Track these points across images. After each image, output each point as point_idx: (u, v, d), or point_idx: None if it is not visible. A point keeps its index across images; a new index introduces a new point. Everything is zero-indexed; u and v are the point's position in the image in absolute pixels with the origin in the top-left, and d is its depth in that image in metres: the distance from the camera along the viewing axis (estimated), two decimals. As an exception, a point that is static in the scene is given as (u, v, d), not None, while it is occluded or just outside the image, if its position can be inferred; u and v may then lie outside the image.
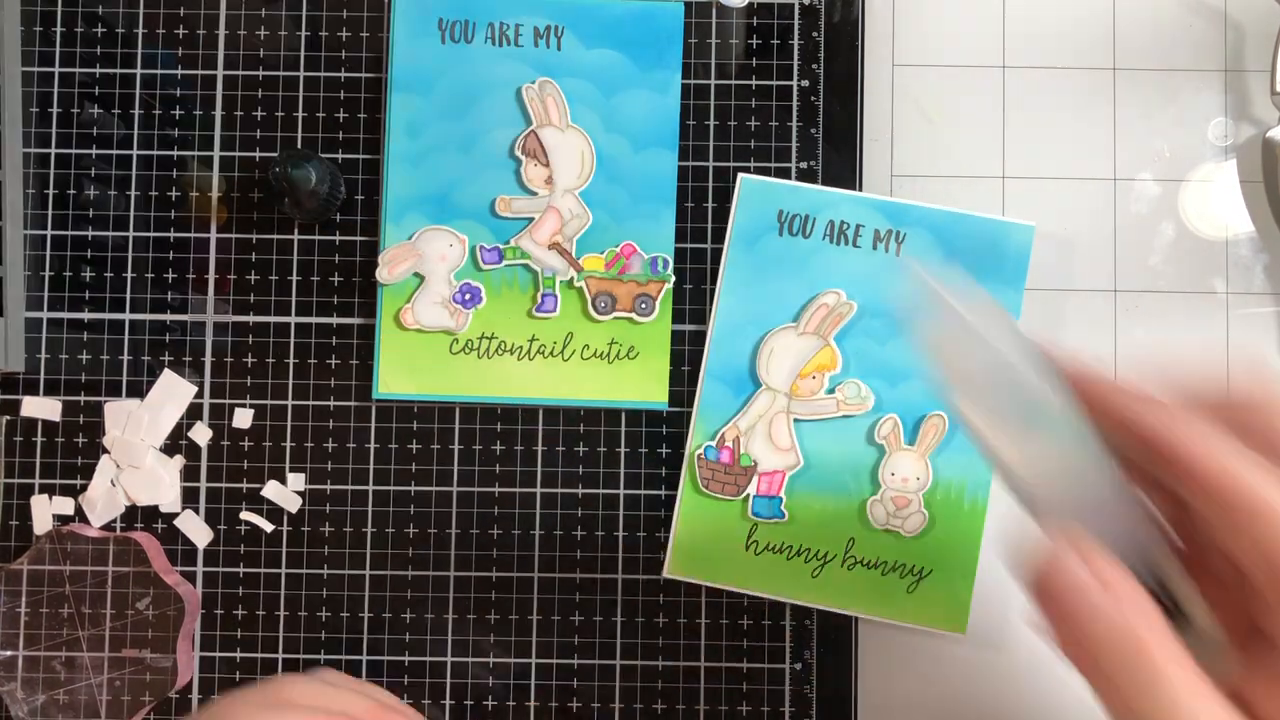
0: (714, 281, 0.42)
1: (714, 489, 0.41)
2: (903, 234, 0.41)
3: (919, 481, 0.41)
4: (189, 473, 0.42)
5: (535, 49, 0.42)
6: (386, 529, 0.42)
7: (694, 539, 0.41)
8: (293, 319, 0.42)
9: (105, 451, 0.42)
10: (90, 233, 0.42)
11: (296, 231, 0.42)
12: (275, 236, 0.42)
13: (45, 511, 0.42)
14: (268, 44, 0.43)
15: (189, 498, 0.42)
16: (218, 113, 0.43)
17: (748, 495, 0.41)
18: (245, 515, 0.42)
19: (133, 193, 0.42)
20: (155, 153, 0.42)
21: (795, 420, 0.41)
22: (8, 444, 0.42)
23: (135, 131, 0.42)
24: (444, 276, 0.42)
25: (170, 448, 0.42)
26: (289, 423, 0.42)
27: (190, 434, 0.42)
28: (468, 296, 0.41)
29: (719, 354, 0.41)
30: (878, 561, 0.41)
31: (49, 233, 0.42)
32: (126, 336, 0.42)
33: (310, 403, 0.42)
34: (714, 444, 0.41)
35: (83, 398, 0.42)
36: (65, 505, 0.42)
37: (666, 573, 0.41)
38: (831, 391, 0.41)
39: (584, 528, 0.42)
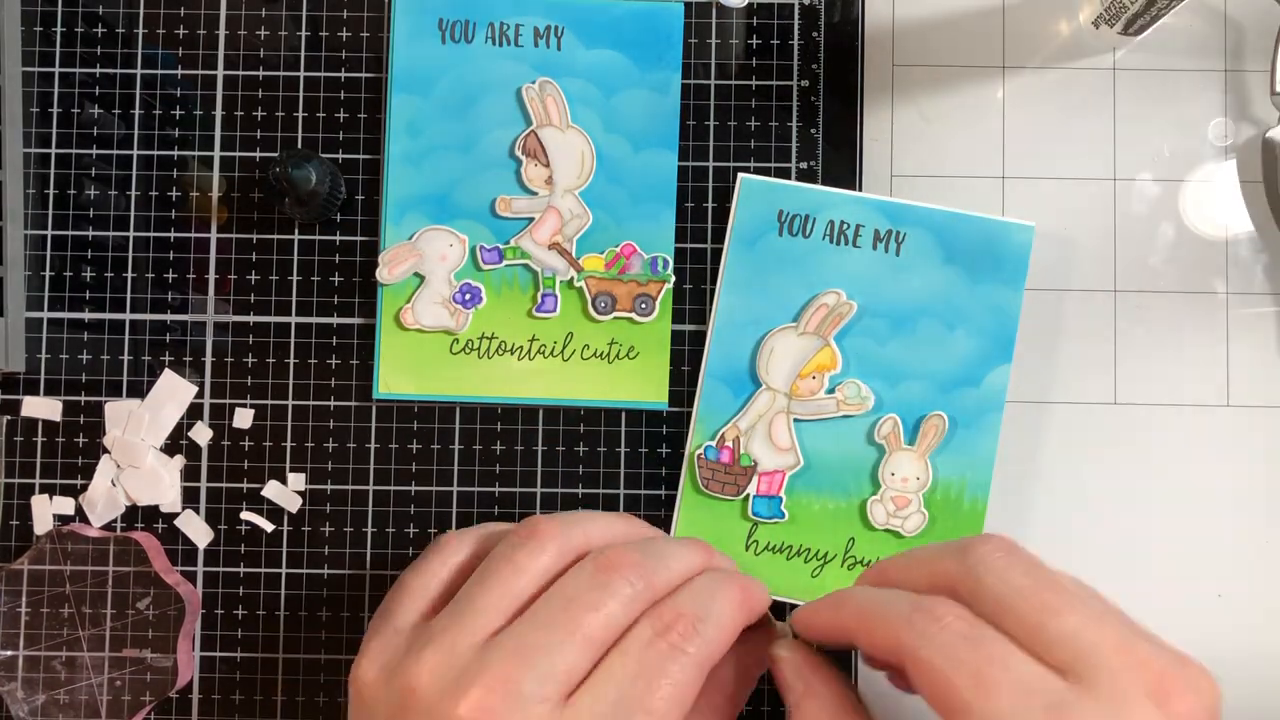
0: (714, 281, 0.42)
1: (714, 489, 0.41)
2: (903, 234, 0.41)
3: (919, 481, 0.41)
4: (189, 473, 0.42)
5: (535, 49, 0.42)
6: (386, 529, 0.42)
7: None
8: (293, 319, 0.42)
9: (105, 451, 0.42)
10: (90, 233, 0.42)
11: (296, 231, 0.42)
12: (275, 236, 0.42)
13: (45, 511, 0.42)
14: (268, 44, 0.43)
15: (189, 498, 0.42)
16: (218, 113, 0.43)
17: (748, 495, 0.41)
18: (245, 515, 0.42)
19: (133, 193, 0.42)
20: (155, 153, 0.43)
21: (795, 420, 0.41)
22: (8, 444, 0.42)
23: (135, 131, 0.42)
24: (444, 276, 0.42)
25: (170, 448, 0.42)
26: (289, 423, 0.42)
27: (190, 434, 0.42)
28: (468, 296, 0.41)
29: (719, 354, 0.41)
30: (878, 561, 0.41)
31: (49, 233, 0.42)
32: (126, 336, 0.42)
33: (310, 403, 0.42)
34: (714, 444, 0.41)
35: (83, 398, 0.42)
36: (65, 505, 0.42)
37: None
38: (831, 391, 0.41)
39: (584, 528, 0.42)
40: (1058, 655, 0.27)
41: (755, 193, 0.42)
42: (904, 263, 0.41)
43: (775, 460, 0.41)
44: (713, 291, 0.42)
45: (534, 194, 0.42)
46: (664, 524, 0.42)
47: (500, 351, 0.42)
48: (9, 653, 0.41)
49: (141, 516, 0.42)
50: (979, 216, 0.41)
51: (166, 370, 0.42)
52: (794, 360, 0.41)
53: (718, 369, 0.41)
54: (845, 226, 0.41)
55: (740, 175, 0.42)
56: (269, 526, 0.42)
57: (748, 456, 0.41)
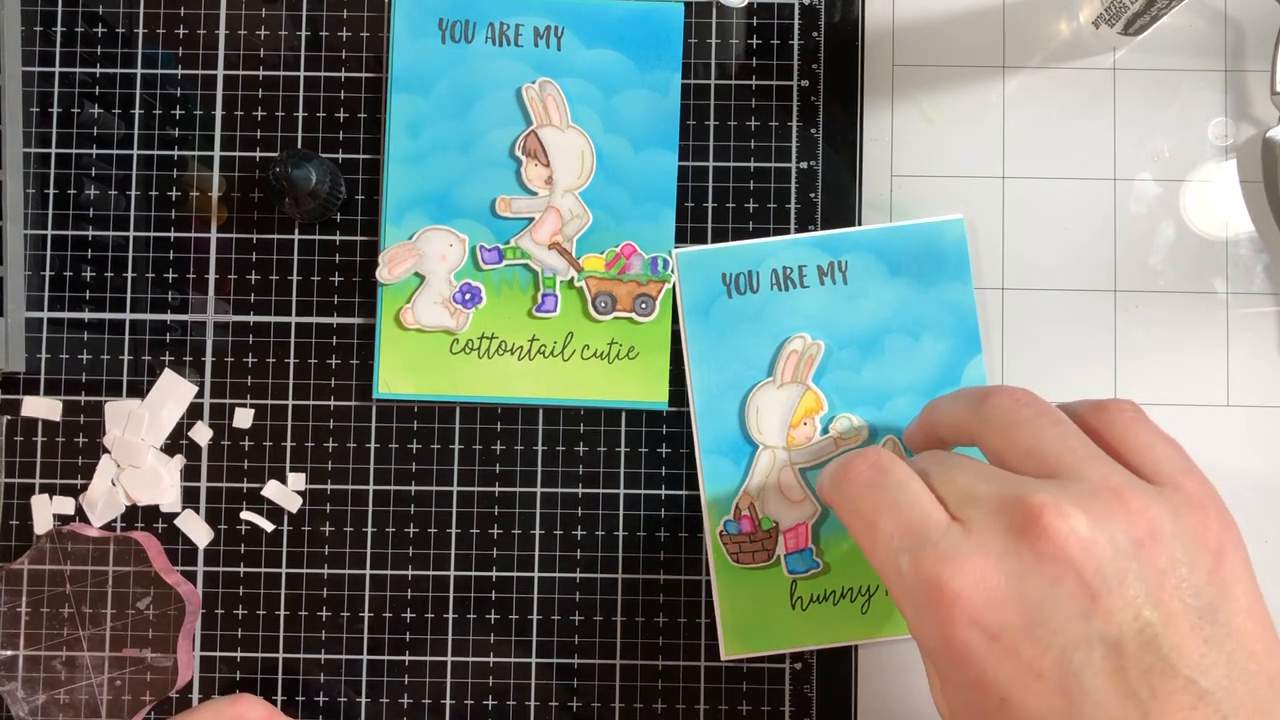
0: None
1: (745, 560, 0.41)
2: (844, 262, 0.41)
3: (933, 488, 0.41)
4: (189, 472, 0.42)
5: (535, 49, 0.42)
6: (386, 529, 0.42)
7: (740, 615, 0.41)
8: (293, 319, 0.42)
9: (105, 451, 0.42)
10: (90, 233, 0.42)
11: (296, 231, 0.42)
12: (275, 236, 0.42)
13: (45, 511, 0.42)
14: (268, 44, 0.43)
15: (189, 497, 0.42)
16: (218, 113, 0.43)
17: (779, 556, 0.41)
18: (245, 515, 0.42)
19: (133, 193, 0.42)
20: (155, 153, 0.43)
21: (801, 469, 0.41)
22: (8, 444, 0.42)
23: (135, 131, 0.43)
24: (444, 276, 0.42)
25: (170, 447, 0.42)
26: (289, 423, 0.42)
27: (190, 434, 0.42)
28: (468, 296, 0.41)
29: (708, 429, 0.41)
30: None
31: (49, 233, 0.42)
32: (126, 336, 0.42)
33: (310, 403, 0.42)
34: (731, 517, 0.41)
35: (83, 398, 0.42)
36: (65, 505, 0.42)
37: (724, 656, 0.41)
38: (826, 432, 0.41)
39: (584, 528, 0.42)
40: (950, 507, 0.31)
41: (694, 264, 0.42)
42: (854, 289, 0.41)
43: (794, 514, 0.41)
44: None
45: (534, 194, 0.42)
46: (665, 523, 0.42)
47: (500, 351, 0.42)
48: (9, 653, 0.41)
49: (141, 516, 0.42)
50: (909, 224, 0.41)
51: (166, 370, 0.42)
52: (781, 412, 0.41)
53: (711, 444, 0.41)
54: (789, 271, 0.41)
55: (675, 251, 0.42)
56: (269, 526, 0.42)
57: (768, 519, 0.41)
